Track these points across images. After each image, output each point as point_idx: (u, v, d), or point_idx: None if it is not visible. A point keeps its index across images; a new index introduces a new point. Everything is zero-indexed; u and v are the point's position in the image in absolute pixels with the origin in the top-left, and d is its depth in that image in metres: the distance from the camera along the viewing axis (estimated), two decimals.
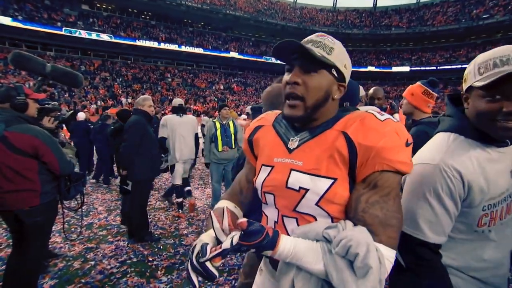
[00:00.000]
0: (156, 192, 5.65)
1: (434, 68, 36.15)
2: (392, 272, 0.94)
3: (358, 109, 0.90)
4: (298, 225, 0.84)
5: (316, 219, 0.82)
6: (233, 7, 36.36)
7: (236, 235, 0.70)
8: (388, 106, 3.17)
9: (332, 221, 0.80)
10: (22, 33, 24.20)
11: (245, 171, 1.10)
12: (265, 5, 40.31)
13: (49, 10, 27.35)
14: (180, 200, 4.36)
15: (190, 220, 4.18)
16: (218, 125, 4.18)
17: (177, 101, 4.36)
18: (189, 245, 3.37)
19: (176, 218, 4.23)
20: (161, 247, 3.32)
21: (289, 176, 0.85)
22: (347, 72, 0.88)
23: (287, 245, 0.72)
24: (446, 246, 0.97)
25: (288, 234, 0.84)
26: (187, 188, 4.56)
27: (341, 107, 1.71)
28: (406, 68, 38.09)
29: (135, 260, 3.04)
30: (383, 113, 0.81)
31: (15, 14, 23.98)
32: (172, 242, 3.45)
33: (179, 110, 4.22)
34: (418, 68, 37.46)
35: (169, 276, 2.71)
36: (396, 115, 2.92)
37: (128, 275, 2.75)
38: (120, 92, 25.61)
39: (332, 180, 0.79)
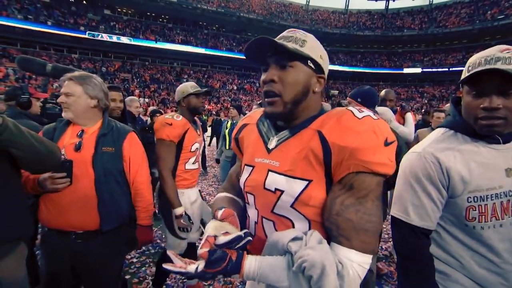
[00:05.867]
0: None
1: (447, 69, 35.96)
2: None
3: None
4: (275, 228, 0.83)
5: (293, 223, 0.79)
6: (247, 10, 37.31)
7: (202, 263, 0.69)
8: (398, 107, 3.17)
9: (310, 225, 0.78)
10: (50, 37, 25.90)
11: (236, 168, 1.09)
12: (278, 8, 41.02)
13: (74, 15, 29.04)
14: None
15: None
16: (229, 124, 4.41)
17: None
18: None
19: None
20: None
21: (266, 177, 0.83)
22: (324, 63, 0.84)
23: (251, 266, 0.71)
24: (445, 243, 1.00)
25: (267, 237, 0.83)
26: None
27: (356, 101, 1.73)
28: (417, 70, 38.04)
29: (153, 251, 3.29)
30: (363, 109, 0.77)
31: (45, 20, 25.78)
32: None
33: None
34: (430, 70, 37.42)
35: None
36: (409, 115, 2.94)
37: (147, 265, 2.96)
38: (137, 92, 26.93)
39: (307, 182, 0.75)
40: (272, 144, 0.87)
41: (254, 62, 0.86)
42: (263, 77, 0.84)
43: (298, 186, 0.77)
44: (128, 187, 1.65)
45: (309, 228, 0.78)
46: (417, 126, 3.92)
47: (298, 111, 0.82)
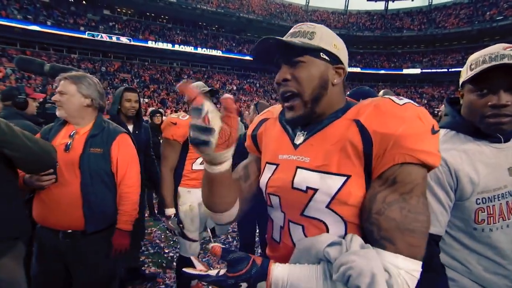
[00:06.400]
0: None
1: (446, 70, 35.98)
2: None
3: None
4: (304, 233, 0.74)
5: (327, 226, 0.71)
6: (247, 10, 37.32)
7: (223, 269, 0.65)
8: None
9: (346, 227, 0.70)
10: (49, 37, 25.80)
11: (247, 161, 0.99)
12: (278, 8, 41.04)
13: (74, 15, 28.96)
14: None
15: None
16: None
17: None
18: (204, 238, 3.27)
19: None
20: (176, 240, 3.42)
21: (294, 174, 0.75)
22: (339, 52, 0.78)
23: (280, 274, 0.64)
24: (450, 249, 0.97)
25: (294, 244, 0.75)
26: None
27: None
28: (417, 70, 38.02)
29: (152, 251, 3.31)
30: (401, 97, 0.72)
31: (44, 20, 25.71)
32: None
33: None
34: (429, 70, 37.42)
35: None
36: None
37: (146, 265, 2.99)
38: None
39: (345, 178, 0.68)
40: (299, 139, 0.80)
41: (264, 64, 0.83)
42: (276, 78, 0.80)
43: (334, 183, 0.69)
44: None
45: (345, 232, 0.70)
46: None
47: (320, 108, 0.77)
